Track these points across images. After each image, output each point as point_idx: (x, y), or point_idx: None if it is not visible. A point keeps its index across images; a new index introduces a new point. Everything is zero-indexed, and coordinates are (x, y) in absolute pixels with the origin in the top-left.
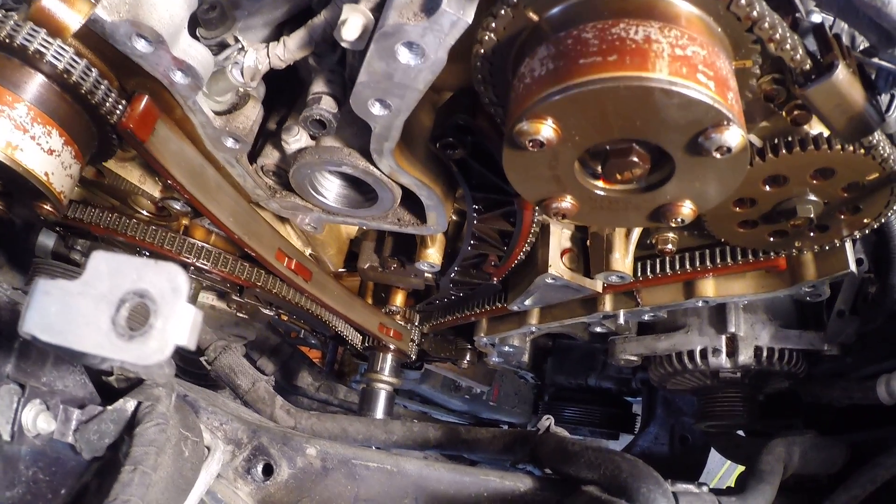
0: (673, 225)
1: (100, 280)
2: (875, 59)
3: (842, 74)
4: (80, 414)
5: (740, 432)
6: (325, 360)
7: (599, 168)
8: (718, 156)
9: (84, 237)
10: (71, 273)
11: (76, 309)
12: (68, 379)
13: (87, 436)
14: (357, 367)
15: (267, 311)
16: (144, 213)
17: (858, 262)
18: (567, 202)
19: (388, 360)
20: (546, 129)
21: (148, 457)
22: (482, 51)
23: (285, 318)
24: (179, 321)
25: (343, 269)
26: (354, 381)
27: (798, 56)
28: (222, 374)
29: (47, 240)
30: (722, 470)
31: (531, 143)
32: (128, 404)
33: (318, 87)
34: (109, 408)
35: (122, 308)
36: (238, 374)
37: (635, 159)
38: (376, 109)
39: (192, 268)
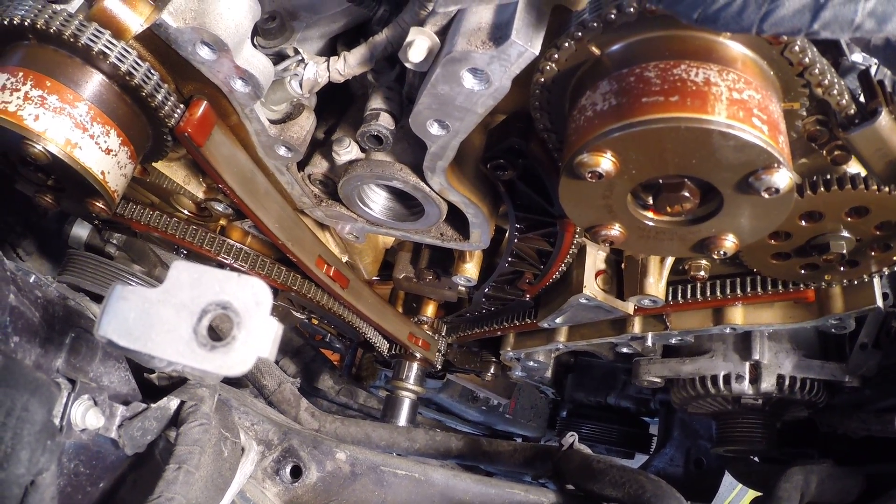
0: (715, 257)
1: (181, 290)
2: None
3: (885, 120)
4: (125, 410)
5: (755, 458)
6: (344, 363)
7: (650, 199)
8: (766, 196)
9: (122, 231)
10: (106, 267)
11: (155, 316)
12: (114, 375)
13: (130, 432)
14: (376, 371)
15: (298, 315)
16: (185, 212)
17: (884, 297)
18: (616, 230)
19: (414, 369)
20: (605, 162)
21: (192, 456)
22: (542, 79)
23: (315, 321)
24: (263, 334)
25: (377, 277)
26: (374, 387)
27: (844, 101)
28: (248, 373)
29: (81, 231)
30: (732, 495)
31: (590, 175)
32: (171, 403)
33: (377, 103)
34: (154, 406)
35: (203, 318)
36: (265, 375)
37: (687, 194)
38: (434, 129)
39: (229, 268)
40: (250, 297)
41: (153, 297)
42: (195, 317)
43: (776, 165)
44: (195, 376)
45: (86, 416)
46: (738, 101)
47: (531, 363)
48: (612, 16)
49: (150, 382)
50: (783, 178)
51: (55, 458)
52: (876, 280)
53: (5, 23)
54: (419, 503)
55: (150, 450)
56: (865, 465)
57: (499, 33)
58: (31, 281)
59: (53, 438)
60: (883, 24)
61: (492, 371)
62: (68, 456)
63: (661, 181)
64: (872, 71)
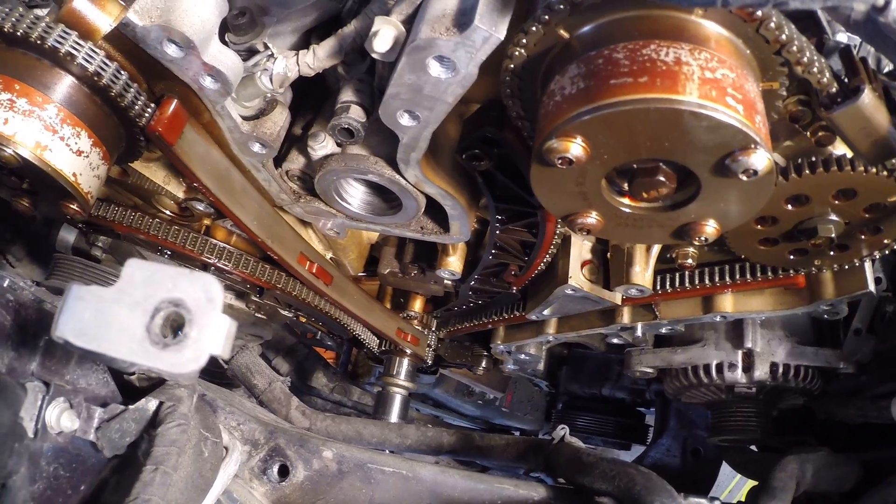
0: (696, 243)
1: (134, 288)
2: None
3: (868, 98)
4: (103, 412)
5: (752, 447)
6: (339, 361)
7: (626, 186)
8: (745, 178)
9: (105, 234)
10: (93, 270)
11: (110, 315)
12: (91, 377)
13: (108, 434)
14: (371, 369)
15: (285, 313)
16: (167, 212)
17: (877, 281)
18: (592, 218)
19: (405, 365)
20: (575, 148)
21: (169, 457)
22: (511, 66)
23: (303, 319)
24: (214, 331)
25: (363, 273)
26: (368, 384)
27: (825, 79)
28: (239, 373)
29: (68, 235)
30: (732, 484)
31: (560, 161)
32: (150, 404)
33: (347, 95)
34: (131, 407)
35: (156, 316)
36: (255, 374)
37: (662, 179)
38: (405, 120)
39: (213, 268)
40: (202, 294)
41: (108, 296)
42: (148, 315)
43: (753, 146)
44: (172, 375)
45: (60, 419)
46: (711, 81)
47: (522, 356)
48: None
49: (131, 384)
50: (761, 159)
51: (24, 460)
52: (867, 264)
53: None
54: (407, 500)
55: (132, 452)
56: (863, 452)
57: (463, 19)
58: (3, 285)
59: (21, 441)
60: None
61: (483, 365)
62: (47, 459)
63: (635, 166)
64: (855, 49)
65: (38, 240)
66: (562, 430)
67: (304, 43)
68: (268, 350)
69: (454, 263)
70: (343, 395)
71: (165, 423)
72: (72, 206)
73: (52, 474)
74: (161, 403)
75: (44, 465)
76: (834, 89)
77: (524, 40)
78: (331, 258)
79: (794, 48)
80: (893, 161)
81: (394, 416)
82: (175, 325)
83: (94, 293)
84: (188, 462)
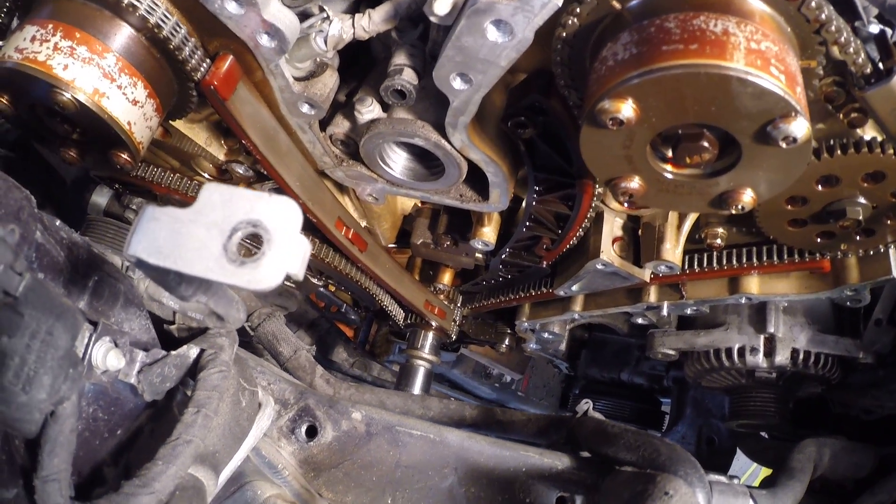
0: (733, 212)
1: (211, 209)
2: None
3: None
4: (145, 356)
5: (766, 436)
6: (358, 339)
7: (669, 153)
8: (784, 145)
9: (142, 195)
10: (126, 232)
11: (186, 235)
12: (134, 322)
13: (150, 378)
14: (389, 347)
15: (315, 281)
16: (206, 175)
17: None
18: (635, 183)
19: (430, 338)
20: (626, 109)
21: (211, 401)
22: (564, 34)
23: (332, 288)
24: (292, 251)
25: (394, 245)
26: (388, 361)
27: (860, 60)
28: (265, 340)
29: (100, 198)
30: (744, 477)
31: (611, 121)
32: (191, 351)
33: (400, 59)
34: (173, 353)
35: (234, 236)
36: (280, 342)
37: (706, 144)
38: (457, 84)
39: None
40: (280, 216)
41: (184, 216)
42: (226, 234)
43: (793, 114)
44: (228, 316)
45: (107, 358)
46: (757, 51)
47: (546, 335)
48: None
49: (169, 334)
50: (801, 126)
51: (76, 388)
52: (892, 250)
53: None
54: (433, 463)
55: (167, 402)
56: (878, 447)
57: None
58: (57, 224)
59: (75, 367)
60: None
61: (506, 343)
62: (87, 400)
63: (680, 132)
64: (889, 33)
65: (67, 206)
66: (585, 405)
67: (354, 9)
68: (290, 323)
69: (488, 234)
70: (363, 371)
71: (207, 368)
72: (122, 155)
73: (91, 415)
74: (202, 351)
75: (84, 406)
76: (868, 70)
77: (578, 9)
78: (365, 226)
79: (833, 28)
80: None
81: (417, 388)
82: (253, 244)
83: (169, 214)
84: (227, 409)
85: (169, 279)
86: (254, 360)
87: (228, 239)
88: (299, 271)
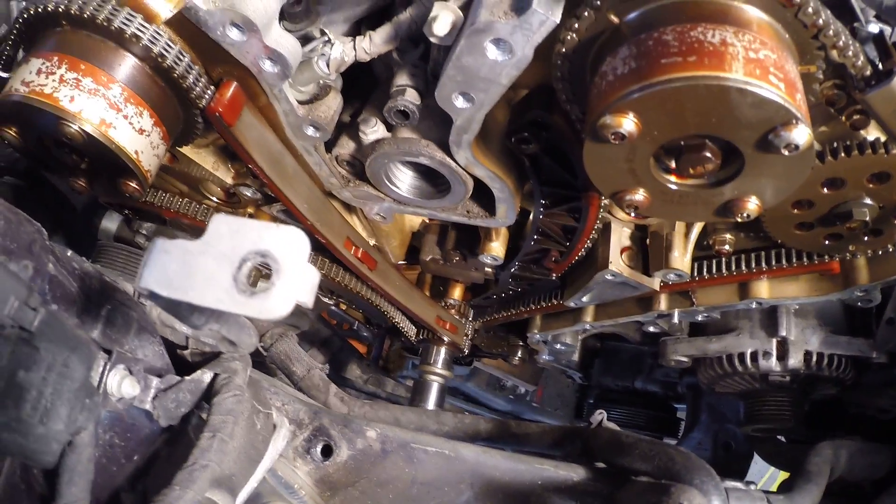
0: (739, 220)
1: (220, 240)
2: None
3: None
4: (160, 382)
5: (783, 440)
6: (371, 355)
7: (672, 164)
8: (787, 153)
9: (151, 220)
10: (137, 257)
11: (196, 267)
12: (148, 349)
13: (165, 403)
14: (402, 362)
15: (326, 300)
16: (214, 199)
17: None
18: (640, 195)
19: (442, 353)
20: (628, 123)
21: (226, 425)
22: (563, 50)
23: (343, 307)
24: (301, 280)
25: (403, 262)
26: (401, 376)
27: (859, 62)
28: (278, 360)
29: (110, 224)
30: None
31: (613, 136)
32: (205, 376)
33: (402, 79)
34: (187, 378)
35: (243, 266)
36: (294, 361)
37: (708, 154)
38: (460, 102)
39: None
40: (289, 245)
41: (194, 248)
42: (235, 265)
43: (794, 122)
44: (240, 341)
45: (122, 385)
46: (755, 60)
47: (558, 346)
48: None
49: (183, 359)
50: (802, 133)
51: (93, 418)
52: None
53: (40, 10)
54: (449, 479)
55: (183, 427)
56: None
57: (521, 3)
58: (68, 254)
59: (92, 397)
60: None
61: (519, 355)
62: (103, 427)
63: (682, 143)
64: (887, 34)
65: (77, 233)
66: (599, 415)
67: (355, 32)
68: (303, 342)
69: (497, 249)
70: (377, 387)
71: (222, 393)
72: (131, 183)
73: (108, 442)
74: (216, 375)
75: (100, 433)
76: (868, 72)
77: (576, 25)
78: (374, 245)
79: (831, 32)
80: None
81: (431, 403)
82: (262, 275)
83: (179, 246)
84: (242, 432)
85: (181, 309)
86: (267, 381)
87: (238, 270)
88: (308, 300)
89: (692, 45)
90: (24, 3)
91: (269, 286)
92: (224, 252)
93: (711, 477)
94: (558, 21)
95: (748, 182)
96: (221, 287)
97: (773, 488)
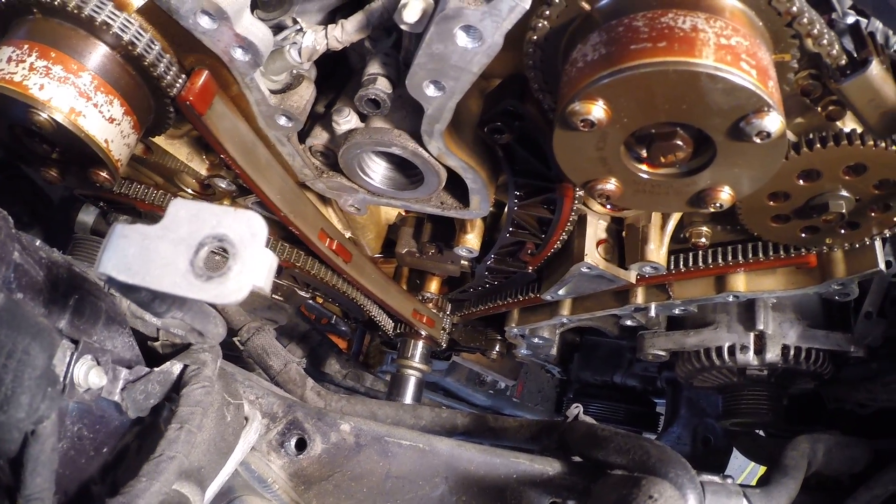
0: (712, 210)
1: (178, 225)
2: None
3: (876, 70)
4: (128, 374)
5: (761, 434)
6: (352, 350)
7: (643, 153)
8: (759, 141)
9: (126, 212)
10: None
11: (154, 251)
12: (117, 340)
13: (133, 395)
14: (382, 358)
15: (303, 294)
16: (189, 190)
17: (888, 264)
18: (611, 184)
19: (419, 347)
20: (597, 110)
21: (194, 416)
22: (535, 37)
23: (320, 300)
24: (257, 264)
25: (380, 255)
26: (381, 371)
27: (834, 51)
28: (254, 354)
29: (87, 217)
30: (741, 477)
31: (582, 123)
32: (174, 367)
33: (374, 68)
34: (157, 369)
35: (200, 251)
36: (270, 356)
37: (679, 142)
38: (431, 91)
39: None
40: (246, 230)
41: (152, 233)
42: (192, 250)
43: (766, 109)
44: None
45: (88, 376)
46: (726, 47)
47: (536, 340)
48: None
49: (154, 351)
50: (774, 121)
51: (55, 406)
52: (878, 243)
53: None
54: (424, 473)
55: (154, 419)
56: (874, 440)
57: None
58: (36, 244)
59: (54, 386)
60: None
61: (497, 349)
62: (72, 419)
63: (653, 131)
64: (863, 24)
65: (54, 225)
66: (576, 409)
67: (329, 22)
68: (282, 336)
69: (472, 241)
70: (356, 382)
71: (190, 384)
72: (101, 173)
73: (77, 434)
74: (186, 366)
75: (68, 425)
76: (843, 62)
77: (547, 12)
78: (349, 237)
79: (805, 20)
80: None
81: (408, 398)
82: (219, 259)
83: (137, 231)
84: (211, 424)
85: (141, 296)
86: (242, 375)
87: (195, 254)
88: (265, 284)
89: (662, 31)
90: None
91: (225, 270)
92: (182, 237)
93: (686, 470)
94: (528, 7)
95: (721, 171)
96: (178, 272)
97: (754, 483)
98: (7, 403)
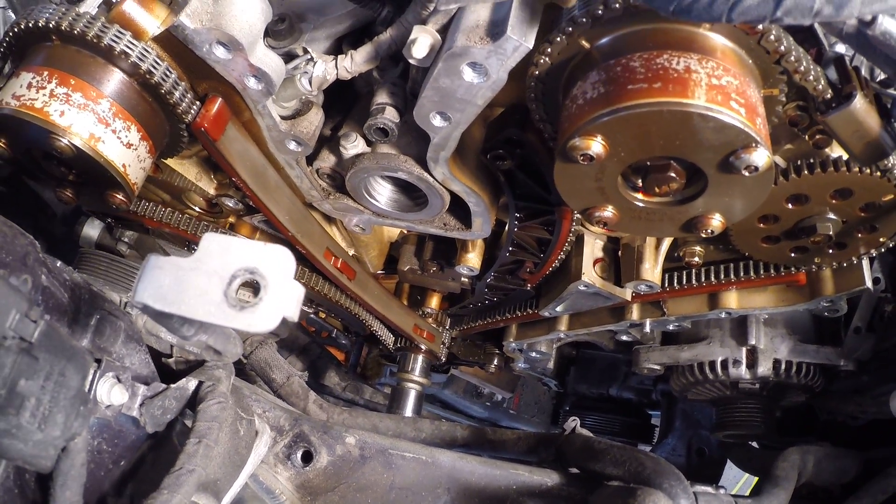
0: (703, 236)
1: (211, 258)
2: (891, 90)
3: (859, 103)
4: (146, 390)
5: (755, 445)
6: (349, 362)
7: (640, 182)
8: (747, 174)
9: (134, 229)
10: (118, 265)
11: (188, 282)
12: (135, 357)
13: (151, 410)
14: (380, 370)
15: (306, 309)
16: (196, 209)
17: (875, 281)
18: (609, 211)
19: (420, 361)
20: (596, 146)
21: (211, 431)
22: (537, 72)
23: (323, 315)
24: (287, 295)
25: (382, 271)
26: (379, 384)
27: (820, 86)
28: (258, 367)
29: (92, 231)
30: (736, 488)
31: (582, 157)
32: (190, 383)
33: (382, 98)
34: (173, 385)
35: (233, 283)
36: (273, 369)
37: (673, 175)
38: (437, 121)
39: None
40: (275, 263)
41: (186, 265)
42: (225, 281)
43: (754, 145)
44: (226, 350)
45: (111, 393)
46: (717, 87)
47: (533, 354)
48: (600, 11)
49: (168, 367)
50: (762, 156)
51: (87, 424)
52: (865, 262)
53: (31, 25)
54: (426, 485)
55: (167, 433)
56: (864, 451)
57: (495, 29)
58: (59, 265)
59: (86, 404)
60: (840, 9)
61: (495, 363)
62: (92, 433)
63: (648, 163)
64: (849, 59)
65: (57, 239)
66: (573, 422)
67: (336, 49)
68: (282, 349)
69: (473, 259)
70: (355, 394)
71: (206, 400)
72: (118, 196)
73: (96, 448)
74: (201, 383)
75: (89, 439)
76: (829, 95)
77: (549, 49)
78: (353, 255)
79: (793, 58)
80: (885, 162)
81: (408, 410)
82: (251, 291)
83: (171, 262)
84: (226, 438)
85: (173, 322)
86: (248, 389)
87: (228, 286)
88: (294, 314)
89: (658, 72)
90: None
91: (256, 301)
92: (214, 269)
93: (680, 481)
94: (531, 47)
95: (712, 200)
96: (212, 301)
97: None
98: (45, 422)
